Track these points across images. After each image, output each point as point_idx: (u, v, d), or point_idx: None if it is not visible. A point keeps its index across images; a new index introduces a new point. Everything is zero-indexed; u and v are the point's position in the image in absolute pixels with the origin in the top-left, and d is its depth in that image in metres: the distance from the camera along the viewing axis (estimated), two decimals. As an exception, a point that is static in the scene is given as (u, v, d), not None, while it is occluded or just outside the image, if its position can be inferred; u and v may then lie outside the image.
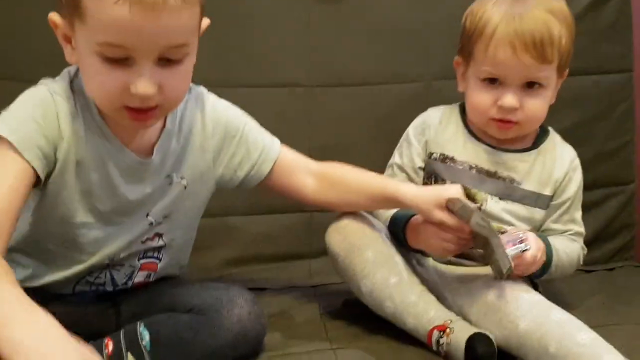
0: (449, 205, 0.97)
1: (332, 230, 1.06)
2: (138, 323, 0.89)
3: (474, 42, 1.05)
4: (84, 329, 0.88)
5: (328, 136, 1.34)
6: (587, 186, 1.37)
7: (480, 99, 1.07)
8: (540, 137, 1.12)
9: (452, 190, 0.99)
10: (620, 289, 1.24)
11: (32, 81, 1.23)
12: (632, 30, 1.41)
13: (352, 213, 1.07)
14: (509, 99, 1.03)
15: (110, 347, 0.88)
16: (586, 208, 1.37)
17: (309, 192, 1.05)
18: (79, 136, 0.87)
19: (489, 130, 1.09)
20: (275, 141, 1.06)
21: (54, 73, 1.21)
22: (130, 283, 0.98)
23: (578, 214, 1.12)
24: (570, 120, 1.37)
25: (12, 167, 0.81)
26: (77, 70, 0.89)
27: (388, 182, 1.06)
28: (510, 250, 0.95)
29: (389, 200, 1.02)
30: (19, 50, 1.25)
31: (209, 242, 1.27)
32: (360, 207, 1.06)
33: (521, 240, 0.98)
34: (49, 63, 1.23)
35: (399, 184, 1.04)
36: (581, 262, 1.11)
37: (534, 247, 0.98)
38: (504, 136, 1.09)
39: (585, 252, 1.13)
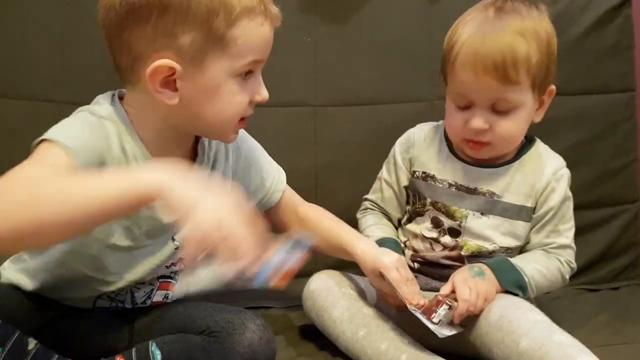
0: (382, 274, 1.01)
1: (304, 297, 1.09)
2: (150, 342, 0.90)
3: (446, 63, 1.06)
4: (98, 344, 0.91)
5: (334, 155, 1.35)
6: (591, 205, 1.39)
7: (452, 120, 1.07)
8: (523, 149, 1.11)
9: (386, 260, 1.01)
10: (625, 308, 1.24)
11: (33, 100, 1.27)
12: (634, 50, 1.42)
13: (323, 272, 1.10)
14: (476, 121, 1.03)
15: None
16: (591, 227, 1.38)
17: (290, 230, 1.10)
18: (125, 160, 0.89)
19: (465, 150, 1.09)
20: (282, 171, 1.11)
21: (56, 91, 1.25)
22: (148, 302, 1.00)
23: (564, 227, 1.09)
24: (573, 139, 1.38)
25: (65, 162, 0.80)
26: (115, 97, 0.91)
27: (348, 236, 1.07)
28: (435, 318, 0.96)
29: (346, 253, 1.06)
30: (21, 69, 1.28)
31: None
32: (325, 252, 1.10)
33: (439, 302, 0.98)
34: (52, 82, 1.27)
35: (357, 241, 1.06)
36: (567, 277, 1.09)
37: (462, 295, 0.97)
38: (478, 156, 1.08)
39: (574, 266, 1.09)
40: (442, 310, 0.96)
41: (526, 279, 1.03)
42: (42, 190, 0.69)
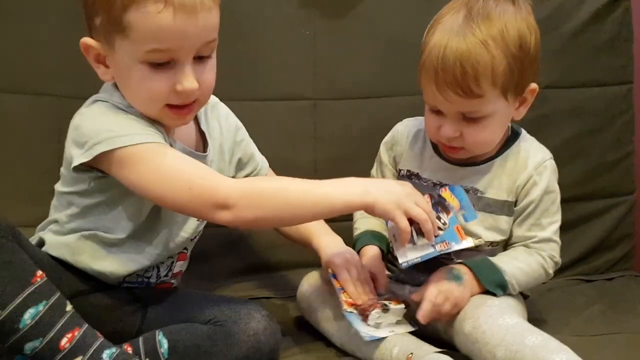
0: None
1: (298, 299, 1.13)
2: (157, 331, 0.92)
3: (418, 66, 1.03)
4: (109, 326, 0.94)
5: (333, 148, 1.36)
6: (588, 197, 1.40)
7: (427, 122, 1.07)
8: (506, 144, 1.09)
9: (337, 261, 1.05)
10: (619, 298, 1.25)
11: (37, 94, 1.28)
12: (632, 43, 1.42)
13: (314, 273, 1.13)
14: (446, 130, 1.02)
15: (130, 352, 0.91)
16: (587, 218, 1.39)
17: None
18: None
19: (444, 151, 1.09)
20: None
21: (59, 86, 1.27)
22: (170, 274, 1.04)
23: (547, 220, 1.07)
24: (571, 131, 1.39)
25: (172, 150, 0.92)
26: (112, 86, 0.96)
27: (317, 231, 1.12)
28: (370, 321, 0.98)
29: (311, 247, 1.11)
30: (25, 64, 1.29)
31: (214, 252, 1.29)
32: (300, 244, 1.15)
33: (371, 306, 0.98)
34: (55, 76, 1.27)
35: (323, 237, 1.11)
36: (550, 272, 1.07)
37: (429, 294, 0.96)
38: (455, 157, 1.08)
39: (558, 260, 1.08)
40: (374, 314, 0.98)
41: (507, 278, 1.02)
42: (291, 198, 0.90)
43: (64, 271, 0.96)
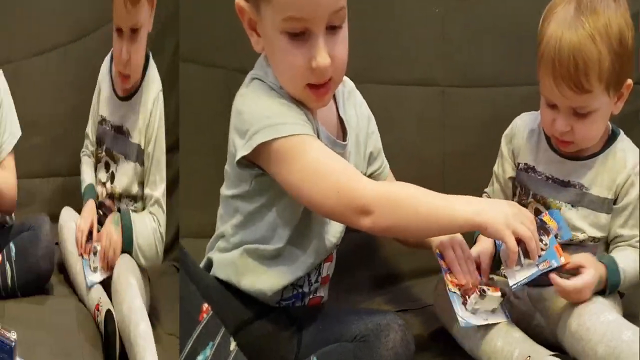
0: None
1: (434, 303, 1.19)
2: (312, 357, 0.95)
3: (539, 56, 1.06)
4: (271, 354, 1.01)
5: (462, 139, 1.36)
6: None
7: (543, 115, 1.12)
8: (608, 141, 1.13)
9: (442, 240, 1.07)
10: None
11: (212, 65, 1.33)
12: None
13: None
14: (559, 124, 1.07)
15: None
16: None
17: None
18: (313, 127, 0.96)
19: (556, 145, 1.14)
20: None
21: (230, 58, 1.31)
22: (319, 279, 1.06)
23: None
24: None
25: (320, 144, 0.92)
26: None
27: None
28: (469, 306, 1.02)
29: (427, 243, 1.12)
30: (203, 36, 1.33)
31: (354, 262, 1.31)
32: (416, 246, 1.16)
33: (471, 289, 1.03)
34: (228, 49, 1.31)
35: None
36: None
37: (589, 273, 1.01)
38: (565, 150, 1.12)
39: None
40: (472, 299, 1.02)
41: (621, 279, 1.06)
42: (421, 208, 0.90)
43: (230, 297, 0.99)
